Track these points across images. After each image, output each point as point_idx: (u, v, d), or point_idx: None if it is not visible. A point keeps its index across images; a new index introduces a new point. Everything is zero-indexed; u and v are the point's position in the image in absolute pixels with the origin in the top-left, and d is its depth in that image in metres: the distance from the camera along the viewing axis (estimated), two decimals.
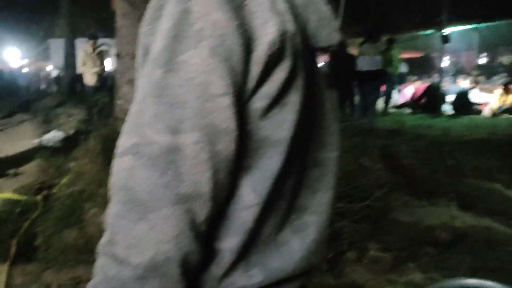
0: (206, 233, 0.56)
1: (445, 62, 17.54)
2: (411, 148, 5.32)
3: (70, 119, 8.26)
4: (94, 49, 7.91)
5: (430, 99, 9.58)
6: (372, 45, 7.33)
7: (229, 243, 0.60)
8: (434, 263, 2.99)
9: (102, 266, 0.55)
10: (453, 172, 4.68)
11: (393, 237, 3.15)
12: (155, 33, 0.57)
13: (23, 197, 4.17)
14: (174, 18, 0.54)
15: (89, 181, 3.48)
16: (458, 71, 16.90)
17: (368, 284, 2.75)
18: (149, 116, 0.53)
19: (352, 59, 7.85)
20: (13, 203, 4.16)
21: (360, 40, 7.83)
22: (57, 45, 19.19)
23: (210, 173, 0.53)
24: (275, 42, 0.56)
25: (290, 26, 0.58)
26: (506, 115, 8.81)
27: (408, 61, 18.30)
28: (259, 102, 0.58)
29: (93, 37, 8.00)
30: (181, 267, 0.53)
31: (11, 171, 5.29)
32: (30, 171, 5.28)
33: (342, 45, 8.31)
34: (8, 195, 4.35)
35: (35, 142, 7.02)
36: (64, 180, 4.15)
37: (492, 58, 22.21)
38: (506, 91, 9.32)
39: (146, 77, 0.55)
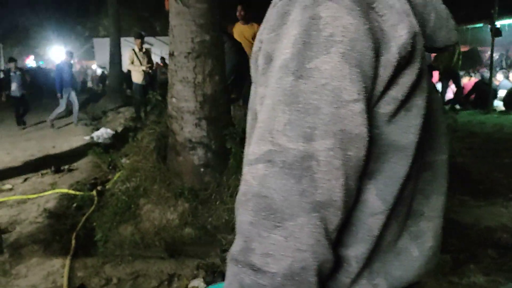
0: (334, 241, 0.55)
1: (495, 56, 16.79)
2: (465, 145, 5.14)
3: (119, 116, 8.55)
4: (141, 48, 8.12)
5: (480, 95, 9.17)
6: None
7: (355, 250, 0.59)
8: (496, 265, 2.87)
9: (236, 274, 0.54)
10: (511, 170, 4.47)
11: (452, 239, 3.04)
12: (280, 40, 0.56)
13: (79, 193, 4.33)
14: (302, 24, 0.53)
15: (143, 177, 3.56)
16: (509, 66, 16.12)
17: (429, 285, 2.67)
18: (281, 123, 0.52)
19: None
20: (69, 198, 4.34)
21: None
22: (101, 44, 19.89)
23: (343, 180, 0.52)
24: (407, 44, 0.54)
25: (417, 27, 0.57)
26: None
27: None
28: (386, 106, 0.57)
29: (140, 36, 8.20)
30: (317, 276, 0.52)
31: (66, 167, 5.52)
32: (83, 167, 5.50)
33: None
34: (64, 190, 4.54)
35: (86, 138, 7.30)
36: (117, 175, 4.28)
37: None
38: None
39: (275, 85, 0.55)
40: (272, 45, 0.58)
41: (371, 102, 0.55)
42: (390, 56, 0.54)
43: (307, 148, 0.51)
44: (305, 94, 0.52)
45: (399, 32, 0.55)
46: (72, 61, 10.01)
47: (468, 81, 10.20)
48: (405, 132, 0.59)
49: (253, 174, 0.54)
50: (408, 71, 0.56)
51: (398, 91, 0.57)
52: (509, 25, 10.50)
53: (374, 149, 0.58)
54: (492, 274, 2.80)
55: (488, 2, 9.27)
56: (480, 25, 10.78)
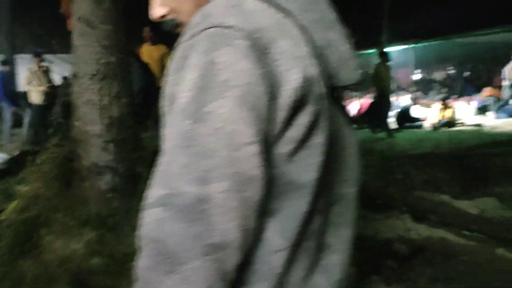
0: (235, 279, 0.56)
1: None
2: (363, 162, 5.56)
3: (14, 139, 7.79)
4: (39, 67, 7.54)
5: (375, 114, 10.03)
6: None
7: None
8: (396, 275, 3.11)
9: None
10: (404, 185, 4.92)
11: (356, 251, 3.24)
12: (180, 83, 0.57)
13: None
14: (200, 68, 0.55)
15: (44, 205, 3.29)
16: (397, 87, 17.91)
17: None
18: (178, 167, 0.53)
19: None
20: None
21: None
22: None
23: (240, 221, 0.53)
24: (299, 88, 0.57)
25: (313, 70, 0.60)
26: (445, 129, 9.41)
27: None
28: (284, 146, 0.59)
29: (38, 55, 7.63)
30: None
31: None
32: None
33: None
34: None
35: None
36: (13, 204, 3.89)
37: (426, 74, 23.77)
38: (444, 106, 9.98)
39: (174, 128, 0.56)
40: (174, 88, 0.59)
41: (268, 143, 0.57)
42: (284, 99, 0.56)
43: (202, 191, 0.52)
44: (202, 137, 0.53)
45: (291, 76, 0.57)
46: None
47: (363, 101, 11.12)
48: (304, 170, 0.61)
49: (150, 218, 0.54)
50: (304, 112, 0.59)
51: (295, 132, 0.59)
52: (395, 51, 11.72)
53: (274, 188, 0.60)
54: (393, 284, 3.04)
55: (378, 31, 10.30)
56: (372, 50, 11.87)
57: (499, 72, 11.41)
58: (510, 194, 4.68)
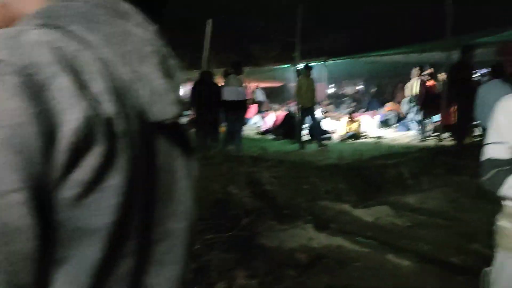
0: None
1: None
2: (273, 174, 5.73)
3: None
4: None
5: (289, 126, 10.42)
6: (236, 77, 7.76)
7: None
8: (297, 284, 3.24)
9: None
10: (309, 195, 5.16)
11: (259, 263, 3.33)
12: None
13: None
14: None
15: None
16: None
17: None
18: None
19: (217, 88, 8.19)
20: None
21: (224, 69, 8.23)
22: None
23: (7, 277, 0.48)
24: (81, 128, 0.53)
25: (107, 108, 0.57)
26: (351, 141, 10.05)
27: (269, 90, 19.81)
28: (70, 190, 0.54)
29: None
30: None
31: None
32: None
33: (208, 75, 8.63)
34: None
35: None
36: None
37: (338, 89, 25.30)
38: (351, 119, 10.67)
39: None
40: None
41: (47, 188, 0.52)
42: (64, 141, 0.52)
43: None
44: None
45: (71, 116, 0.53)
46: None
47: (279, 114, 11.51)
48: (96, 214, 0.57)
49: None
50: (92, 154, 0.54)
51: (82, 174, 0.54)
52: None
53: (61, 235, 0.55)
54: None
55: (292, 48, 10.79)
56: (287, 65, 12.38)
57: (401, 89, 12.50)
58: (402, 202, 5.13)
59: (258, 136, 11.12)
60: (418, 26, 15.86)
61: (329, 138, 10.29)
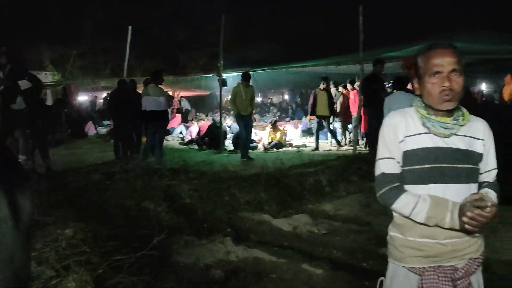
0: None
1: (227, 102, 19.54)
2: (193, 186, 5.61)
3: None
4: None
5: (213, 136, 10.34)
6: (155, 86, 7.52)
7: None
8: None
9: None
10: (229, 207, 5.11)
11: (171, 284, 3.19)
12: None
13: None
14: None
15: None
16: None
17: None
18: None
19: (137, 98, 7.92)
20: None
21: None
22: None
23: None
24: None
25: None
26: (274, 150, 10.20)
27: (195, 98, 19.61)
28: None
29: None
30: None
31: None
32: None
33: (125, 84, 8.31)
34: None
35: None
36: None
37: (264, 98, 25.71)
38: (274, 128, 10.83)
39: None
40: None
41: None
42: None
43: None
44: None
45: None
46: None
47: (202, 124, 11.38)
48: None
49: None
50: None
51: None
52: (232, 76, 12.39)
53: None
54: None
55: (217, 58, 10.76)
56: (212, 75, 12.34)
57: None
58: (319, 210, 5.25)
59: (182, 147, 10.89)
60: (335, 40, 16.72)
61: (254, 148, 10.35)
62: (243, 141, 8.83)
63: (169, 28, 19.58)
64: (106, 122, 13.78)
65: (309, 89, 20.10)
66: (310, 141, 11.48)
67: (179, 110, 15.57)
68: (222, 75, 10.35)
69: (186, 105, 16.63)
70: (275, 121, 11.47)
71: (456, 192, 1.56)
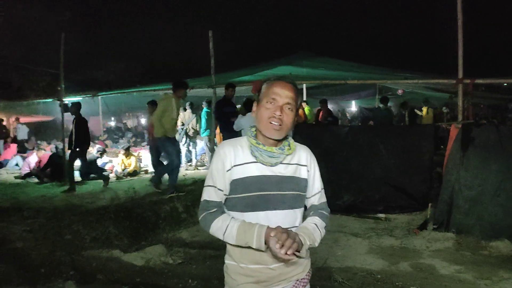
0: None
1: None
2: (28, 226, 4.86)
3: None
4: None
5: (55, 167, 9.29)
6: None
7: None
8: None
9: None
10: (72, 246, 4.53)
11: None
12: None
13: None
14: None
15: None
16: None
17: None
18: None
19: None
20: None
21: None
22: None
23: None
24: None
25: None
26: (129, 178, 9.60)
27: (36, 125, 17.55)
28: None
29: None
30: None
31: None
32: None
33: None
34: None
35: None
36: None
37: (119, 123, 24.44)
38: (127, 155, 10.22)
39: None
40: None
41: None
42: None
43: None
44: None
45: None
46: None
47: (43, 154, 10.15)
48: None
49: None
50: None
51: None
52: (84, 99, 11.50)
53: None
54: None
55: (57, 81, 9.80)
56: (52, 99, 11.23)
57: None
58: (175, 239, 5.02)
59: (19, 181, 9.51)
60: (187, 64, 16.93)
61: (104, 177, 9.60)
62: (174, 168, 7.10)
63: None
64: None
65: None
66: None
67: (14, 139, 13.70)
68: (63, 99, 9.44)
69: (23, 132, 14.69)
70: (128, 147, 10.86)
71: (282, 218, 1.64)
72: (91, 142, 12.01)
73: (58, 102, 9.52)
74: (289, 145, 1.70)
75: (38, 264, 4.14)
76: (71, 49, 9.61)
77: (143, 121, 23.19)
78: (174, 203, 6.11)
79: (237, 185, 1.64)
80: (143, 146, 14.69)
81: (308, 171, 1.74)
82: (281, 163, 1.67)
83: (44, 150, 10.86)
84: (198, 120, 10.88)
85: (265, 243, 1.50)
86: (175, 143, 7.36)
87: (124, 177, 9.71)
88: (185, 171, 10.15)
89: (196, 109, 10.98)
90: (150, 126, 8.63)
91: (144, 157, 11.56)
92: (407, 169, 5.91)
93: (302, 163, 1.73)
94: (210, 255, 4.39)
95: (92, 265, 4.28)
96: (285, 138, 1.70)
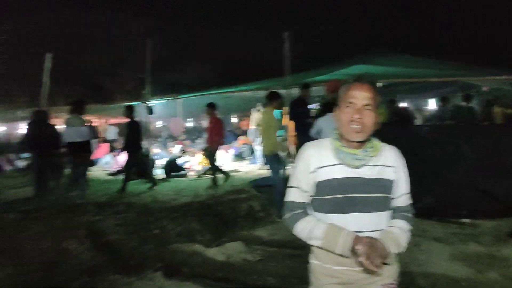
0: None
1: (157, 128, 19.15)
2: (120, 221, 5.30)
3: None
4: None
5: (141, 166, 9.95)
6: (77, 117, 7.13)
7: None
8: None
9: None
10: (159, 240, 4.87)
11: None
12: None
13: None
14: None
15: None
16: (168, 136, 18.56)
17: None
18: None
19: (53, 128, 7.50)
20: None
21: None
22: None
23: None
24: None
25: None
26: (207, 176, 10.01)
27: (123, 126, 18.90)
28: None
29: None
30: None
31: None
32: None
33: (42, 114, 7.77)
34: None
35: None
36: None
37: (196, 123, 25.45)
38: (204, 154, 10.65)
39: None
40: None
41: None
42: None
43: None
44: None
45: None
46: None
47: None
48: None
49: None
50: None
51: None
52: (162, 103, 12.19)
53: None
54: None
55: (143, 83, 10.51)
56: (139, 102, 12.04)
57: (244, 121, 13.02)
58: (254, 236, 5.18)
59: (110, 178, 10.35)
60: (262, 65, 17.16)
61: (185, 175, 10.12)
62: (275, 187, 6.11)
63: (92, 52, 18.92)
64: (24, 155, 12.76)
65: (240, 112, 20.34)
66: (241, 166, 11.48)
67: (105, 139, 14.88)
68: (148, 102, 10.09)
69: (113, 133, 15.91)
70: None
71: (369, 221, 1.65)
72: (172, 142, 12.73)
73: (143, 104, 10.19)
74: (373, 147, 1.70)
75: (130, 256, 4.51)
76: (155, 53, 10.21)
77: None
78: (251, 202, 6.30)
79: (322, 187, 1.67)
80: None
81: (395, 172, 1.72)
82: (366, 165, 1.67)
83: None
84: None
85: (351, 251, 1.52)
86: (280, 161, 6.66)
87: (202, 175, 10.14)
88: (259, 170, 10.36)
89: None
90: (209, 131, 8.84)
91: (220, 156, 12.00)
92: (495, 171, 5.54)
93: (389, 164, 1.71)
94: (288, 254, 4.47)
95: (177, 258, 4.57)
96: (370, 139, 1.70)
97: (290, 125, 8.64)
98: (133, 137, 8.34)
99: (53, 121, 7.90)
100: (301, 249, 4.57)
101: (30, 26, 18.18)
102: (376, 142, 1.73)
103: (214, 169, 8.75)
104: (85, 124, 7.18)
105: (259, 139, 10.96)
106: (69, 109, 7.44)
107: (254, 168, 10.89)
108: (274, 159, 6.26)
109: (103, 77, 18.97)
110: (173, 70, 19.08)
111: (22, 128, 16.29)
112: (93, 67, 17.93)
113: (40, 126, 7.48)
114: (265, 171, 9.81)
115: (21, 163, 12.20)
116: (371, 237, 1.56)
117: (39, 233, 4.24)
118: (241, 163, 12.03)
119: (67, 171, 7.74)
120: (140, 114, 15.86)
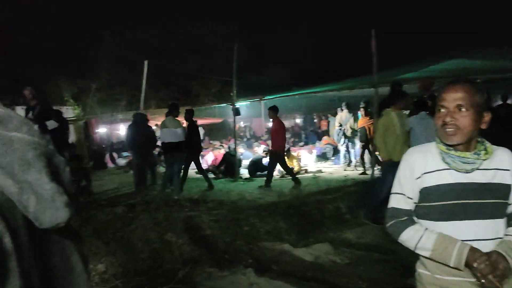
0: None
1: (241, 129, 19.76)
2: (213, 217, 5.61)
3: None
4: None
5: (228, 165, 10.38)
6: (173, 119, 7.69)
7: None
8: None
9: None
10: (249, 237, 5.08)
11: None
12: None
13: None
14: None
15: None
16: (252, 136, 19.07)
17: None
18: None
19: (151, 129, 8.15)
20: None
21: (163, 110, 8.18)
22: None
23: None
24: None
25: None
26: (288, 177, 10.13)
27: (208, 126, 19.80)
28: None
29: None
30: None
31: None
32: None
33: (141, 117, 8.49)
34: None
35: None
36: None
37: None
38: (288, 156, 10.80)
39: None
40: None
41: None
42: None
43: None
44: None
45: None
46: None
47: (219, 153, 11.45)
48: None
49: None
50: None
51: None
52: (246, 104, 12.55)
53: None
54: None
55: (228, 85, 10.94)
56: (225, 104, 12.55)
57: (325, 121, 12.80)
58: (341, 238, 5.19)
59: (198, 176, 10.93)
60: (347, 63, 16.88)
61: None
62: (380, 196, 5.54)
63: (182, 57, 20.05)
64: (125, 154, 14.01)
65: (322, 113, 20.18)
66: (325, 166, 11.44)
67: None
68: (235, 104, 10.47)
69: (200, 134, 16.82)
70: (289, 148, 11.46)
71: (483, 229, 1.55)
72: (256, 142, 13.05)
73: (231, 106, 10.60)
74: (485, 149, 1.60)
75: (223, 251, 4.78)
76: (240, 57, 10.57)
77: (298, 121, 24.00)
78: (338, 203, 6.30)
79: (429, 193, 1.61)
80: (301, 146, 15.27)
81: (511, 175, 1.60)
82: (478, 169, 1.58)
83: (219, 149, 12.21)
84: (356, 120, 10.81)
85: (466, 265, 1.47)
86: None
87: (286, 175, 10.28)
88: (345, 171, 10.25)
89: (353, 109, 10.88)
90: (273, 135, 8.91)
91: (303, 157, 12.08)
92: None
93: (504, 167, 1.60)
94: (377, 258, 4.43)
95: (266, 256, 4.74)
96: (482, 141, 1.62)
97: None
98: (192, 138, 8.54)
99: (143, 123, 8.58)
100: (390, 255, 4.52)
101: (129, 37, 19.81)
102: (488, 144, 1.63)
103: (288, 171, 8.94)
104: (180, 126, 7.70)
105: (342, 139, 10.87)
106: (166, 112, 8.07)
107: (338, 168, 10.80)
108: (391, 167, 5.24)
109: (192, 80, 20.02)
110: (257, 72, 19.52)
111: (122, 129, 17.84)
112: (183, 71, 19.02)
113: (140, 127, 8.18)
114: (354, 173, 9.71)
115: (122, 161, 13.38)
116: (489, 253, 1.47)
117: (143, 225, 4.67)
118: (325, 163, 11.99)
119: (161, 169, 8.38)
120: (225, 115, 16.56)
